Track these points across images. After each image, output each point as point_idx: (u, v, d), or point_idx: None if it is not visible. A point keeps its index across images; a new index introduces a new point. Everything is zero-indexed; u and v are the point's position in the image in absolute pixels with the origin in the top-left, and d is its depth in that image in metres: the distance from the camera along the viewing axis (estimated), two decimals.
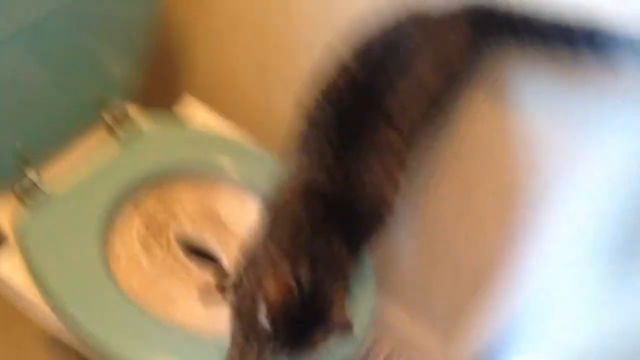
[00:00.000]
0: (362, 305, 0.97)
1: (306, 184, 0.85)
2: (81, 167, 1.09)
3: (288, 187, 0.87)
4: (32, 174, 1.05)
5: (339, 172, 0.84)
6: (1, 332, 1.26)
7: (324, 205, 0.83)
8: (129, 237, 1.07)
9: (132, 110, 1.19)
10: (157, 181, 1.13)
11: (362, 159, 0.85)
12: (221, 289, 1.04)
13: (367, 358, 1.45)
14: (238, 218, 1.15)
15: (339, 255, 0.83)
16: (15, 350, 1.29)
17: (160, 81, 1.48)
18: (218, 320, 1.00)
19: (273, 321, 0.75)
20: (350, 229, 0.85)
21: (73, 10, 0.96)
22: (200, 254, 1.10)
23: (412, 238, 1.25)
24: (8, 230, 1.01)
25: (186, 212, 1.13)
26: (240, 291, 0.84)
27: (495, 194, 1.08)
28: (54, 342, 1.32)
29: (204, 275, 1.06)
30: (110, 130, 1.16)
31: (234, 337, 0.85)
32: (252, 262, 0.85)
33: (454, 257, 1.24)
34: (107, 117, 1.16)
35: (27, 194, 1.04)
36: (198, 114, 1.24)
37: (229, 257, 1.10)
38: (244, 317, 0.82)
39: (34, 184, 1.05)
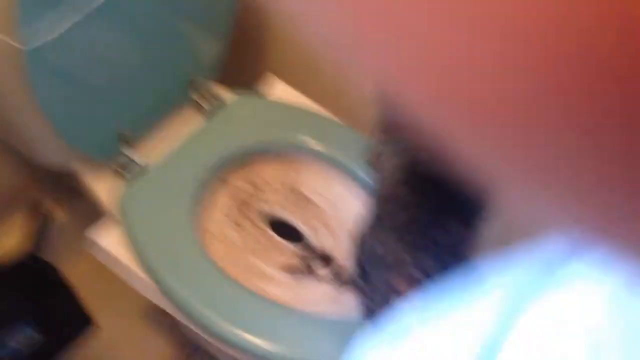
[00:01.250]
0: None
1: (408, 168, 0.84)
2: (172, 144, 1.14)
3: (392, 173, 0.86)
4: (129, 151, 1.11)
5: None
6: (104, 303, 1.34)
7: (432, 188, 0.81)
8: (218, 211, 1.12)
9: (219, 89, 1.23)
10: (244, 157, 1.17)
11: None
12: (307, 267, 1.07)
13: None
14: (322, 193, 1.17)
15: (458, 236, 0.82)
16: (116, 320, 1.38)
17: (243, 60, 1.51)
18: (303, 295, 1.04)
19: None
20: (462, 206, 0.83)
21: None
22: (285, 228, 1.14)
23: None
24: (108, 204, 1.07)
25: (272, 187, 1.17)
26: (366, 289, 0.85)
27: None
28: (152, 313, 1.41)
29: (289, 251, 1.09)
30: (199, 108, 1.20)
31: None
32: (372, 258, 0.84)
33: None
34: (196, 96, 1.20)
35: (124, 169, 1.10)
36: (281, 92, 1.26)
37: (313, 232, 1.13)
38: (374, 313, 0.85)
39: (131, 160, 1.10)
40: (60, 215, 1.42)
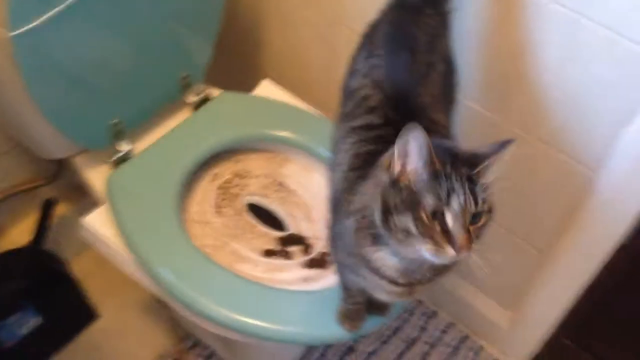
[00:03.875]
0: None
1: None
2: (164, 137, 1.21)
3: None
4: (122, 144, 1.18)
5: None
6: (106, 295, 1.41)
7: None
8: (201, 198, 1.18)
9: (208, 87, 1.31)
10: (229, 149, 1.24)
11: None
12: (284, 251, 1.12)
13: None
14: (304, 184, 1.23)
15: None
16: (117, 312, 1.45)
17: (238, 65, 1.59)
18: (279, 276, 1.08)
19: None
20: None
21: None
22: (266, 215, 1.19)
23: None
24: (100, 191, 1.15)
25: (254, 177, 1.23)
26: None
27: None
28: (153, 306, 1.47)
29: (268, 236, 1.15)
30: (188, 104, 1.28)
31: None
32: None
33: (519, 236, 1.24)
34: (185, 93, 1.28)
35: (118, 160, 1.17)
36: (269, 90, 1.33)
37: (292, 220, 1.18)
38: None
39: (125, 152, 1.18)
40: (64, 210, 1.50)
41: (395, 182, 0.68)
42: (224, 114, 1.27)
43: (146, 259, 1.04)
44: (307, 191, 1.21)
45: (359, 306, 0.96)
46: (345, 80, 0.93)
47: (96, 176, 1.18)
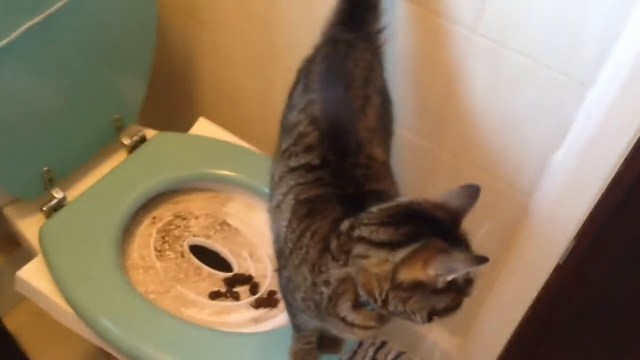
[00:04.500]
0: None
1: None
2: (100, 182, 1.18)
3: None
4: (55, 191, 1.15)
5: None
6: (45, 349, 1.35)
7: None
8: (145, 244, 1.15)
9: (143, 128, 1.29)
10: (168, 191, 1.22)
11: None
12: (231, 292, 1.11)
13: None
14: (247, 222, 1.21)
15: None
16: None
17: (173, 105, 1.57)
18: (227, 319, 1.06)
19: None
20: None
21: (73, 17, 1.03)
22: (211, 257, 1.17)
23: None
24: (35, 243, 1.10)
25: (196, 218, 1.21)
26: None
27: None
28: (94, 356, 1.41)
29: (214, 278, 1.12)
30: (123, 146, 1.25)
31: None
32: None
33: None
34: (124, 138, 1.25)
35: (51, 208, 1.13)
36: (205, 130, 1.32)
37: (237, 259, 1.17)
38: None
39: (58, 200, 1.14)
40: None
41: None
42: (161, 155, 1.25)
43: (85, 310, 1.00)
44: (251, 229, 1.20)
45: (312, 346, 0.95)
46: (284, 115, 0.93)
47: (29, 226, 1.13)
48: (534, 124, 1.00)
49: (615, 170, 0.95)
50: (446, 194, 0.73)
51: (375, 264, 0.69)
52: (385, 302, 0.70)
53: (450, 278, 0.66)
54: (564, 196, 1.02)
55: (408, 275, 0.67)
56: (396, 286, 0.68)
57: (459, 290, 0.69)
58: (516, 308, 1.25)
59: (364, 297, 0.72)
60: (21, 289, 1.09)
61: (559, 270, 1.14)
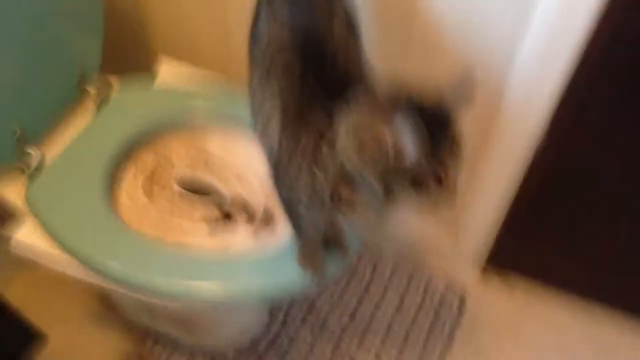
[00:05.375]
0: None
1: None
2: (76, 138, 1.17)
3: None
4: (31, 150, 1.13)
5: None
6: (50, 314, 1.34)
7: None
8: (133, 188, 1.15)
9: (108, 77, 1.27)
10: (149, 137, 1.21)
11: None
12: (224, 214, 1.12)
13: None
14: (228, 150, 1.22)
15: None
16: (65, 328, 1.39)
17: (133, 49, 1.54)
18: (225, 240, 1.09)
19: None
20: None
21: None
22: (198, 188, 1.18)
23: None
24: (20, 205, 1.09)
25: (179, 155, 1.21)
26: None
27: None
28: (101, 312, 1.42)
29: (205, 203, 1.14)
30: (96, 99, 1.23)
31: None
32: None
33: None
34: (90, 89, 1.23)
35: (30, 168, 1.12)
36: (169, 68, 1.31)
37: (224, 183, 1.18)
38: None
39: (35, 159, 1.12)
40: None
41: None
42: (131, 103, 1.23)
43: (89, 256, 1.01)
44: (234, 156, 1.21)
45: (316, 247, 0.97)
46: (250, 46, 0.93)
47: (9, 189, 1.12)
48: (499, 6, 1.02)
49: (589, 32, 0.97)
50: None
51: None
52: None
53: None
54: (537, 74, 1.04)
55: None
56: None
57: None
58: (500, 192, 1.29)
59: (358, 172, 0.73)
60: (19, 253, 1.08)
61: (540, 149, 1.17)
